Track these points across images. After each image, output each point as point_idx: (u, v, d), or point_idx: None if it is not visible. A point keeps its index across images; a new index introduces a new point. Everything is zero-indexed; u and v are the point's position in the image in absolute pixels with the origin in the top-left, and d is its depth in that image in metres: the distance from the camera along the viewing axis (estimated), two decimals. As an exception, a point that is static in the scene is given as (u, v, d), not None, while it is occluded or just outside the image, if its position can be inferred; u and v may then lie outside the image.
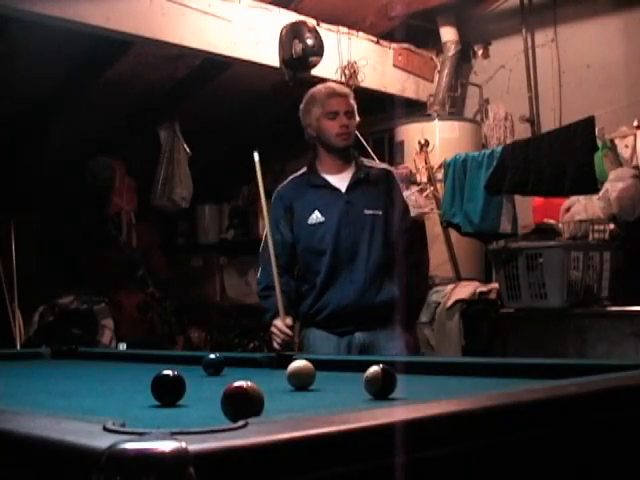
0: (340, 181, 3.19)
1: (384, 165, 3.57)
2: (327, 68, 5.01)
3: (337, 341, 3.13)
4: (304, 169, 3.28)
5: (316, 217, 3.14)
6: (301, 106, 3.25)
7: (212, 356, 2.13)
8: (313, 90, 3.25)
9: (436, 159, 5.21)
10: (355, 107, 3.21)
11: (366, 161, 3.34)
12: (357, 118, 3.23)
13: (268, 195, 5.41)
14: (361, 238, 3.12)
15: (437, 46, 5.72)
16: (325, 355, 2.76)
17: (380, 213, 3.15)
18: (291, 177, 3.32)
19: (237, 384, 1.17)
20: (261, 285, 3.22)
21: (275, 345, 3.09)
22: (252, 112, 5.94)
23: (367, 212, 3.15)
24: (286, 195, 3.24)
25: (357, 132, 3.45)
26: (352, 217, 3.13)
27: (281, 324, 3.04)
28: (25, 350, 3.80)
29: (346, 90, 3.27)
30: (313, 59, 4.77)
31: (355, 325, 3.11)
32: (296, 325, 3.18)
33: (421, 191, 5.20)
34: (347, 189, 3.18)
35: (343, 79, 5.09)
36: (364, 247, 3.12)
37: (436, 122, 5.40)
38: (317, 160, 3.25)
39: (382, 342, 3.11)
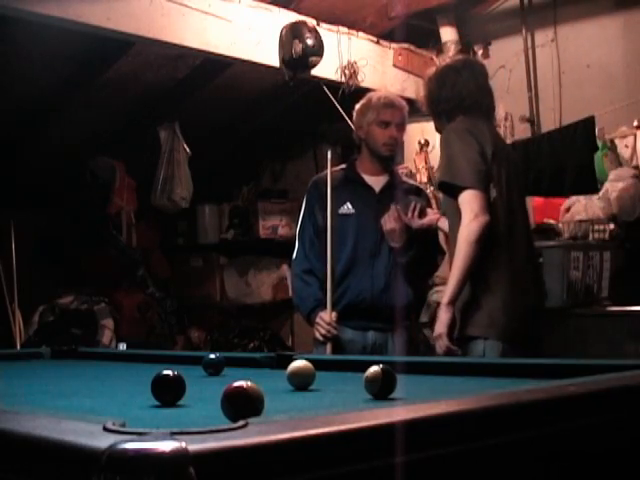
0: (375, 182, 3.36)
1: (416, 184, 3.86)
2: (327, 68, 5.01)
3: (351, 335, 3.20)
4: (344, 165, 3.43)
5: (347, 208, 3.31)
6: (357, 106, 3.40)
7: (212, 356, 2.13)
8: (372, 95, 3.42)
9: (436, 159, 5.19)
10: (406, 121, 3.41)
11: (402, 175, 3.56)
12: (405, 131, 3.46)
13: (270, 195, 5.50)
14: (384, 239, 3.23)
15: (437, 46, 5.72)
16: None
17: (407, 220, 3.27)
18: (331, 169, 3.44)
19: (237, 384, 1.17)
20: (299, 266, 3.31)
21: (317, 336, 3.19)
22: (252, 112, 5.94)
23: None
24: (323, 183, 3.36)
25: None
26: (380, 216, 3.25)
27: (328, 317, 3.14)
28: (25, 350, 3.80)
29: (403, 103, 3.44)
30: (313, 59, 4.77)
31: (369, 321, 3.19)
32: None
33: (421, 191, 5.20)
34: (380, 190, 3.31)
35: (343, 79, 5.09)
36: (386, 248, 3.22)
37: (436, 122, 5.39)
38: (358, 160, 3.37)
39: (393, 346, 3.17)
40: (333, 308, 3.19)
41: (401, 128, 3.36)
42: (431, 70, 3.27)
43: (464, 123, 3.04)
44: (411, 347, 3.24)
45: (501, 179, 2.98)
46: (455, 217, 2.96)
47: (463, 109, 3.06)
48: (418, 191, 3.55)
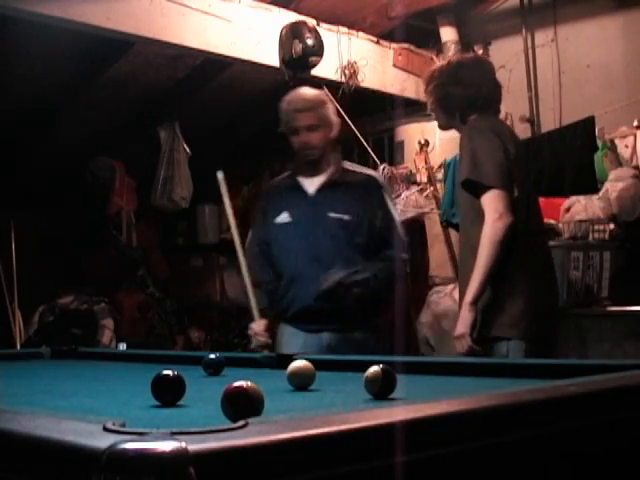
0: (311, 184, 3.21)
1: (370, 172, 3.48)
2: (327, 68, 5.01)
3: (304, 338, 3.16)
4: (289, 172, 3.36)
5: (283, 218, 3.21)
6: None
7: (212, 356, 2.13)
8: (283, 101, 3.24)
9: (436, 159, 5.21)
10: (326, 116, 3.17)
11: (350, 165, 3.31)
12: (333, 122, 3.20)
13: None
14: (324, 240, 3.13)
15: (437, 46, 5.72)
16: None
17: (347, 218, 3.12)
18: (275, 179, 3.46)
19: (237, 384, 1.17)
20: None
21: (252, 346, 3.19)
22: (252, 112, 5.94)
23: (332, 215, 3.13)
24: (264, 195, 3.41)
25: (357, 132, 3.47)
26: (316, 219, 3.15)
27: (257, 327, 3.13)
28: (25, 350, 3.80)
29: (310, 103, 3.19)
30: (313, 59, 4.77)
31: (322, 325, 3.13)
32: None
33: (421, 191, 5.20)
34: (315, 192, 3.20)
35: (343, 79, 5.09)
36: (328, 249, 3.12)
37: (436, 122, 5.39)
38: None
39: (351, 346, 3.08)
40: (284, 313, 3.20)
41: (315, 128, 3.13)
42: (437, 66, 3.21)
43: (482, 121, 3.02)
44: (380, 345, 3.13)
45: (521, 178, 2.98)
46: (472, 214, 2.93)
47: (477, 107, 3.04)
48: (370, 180, 3.27)
